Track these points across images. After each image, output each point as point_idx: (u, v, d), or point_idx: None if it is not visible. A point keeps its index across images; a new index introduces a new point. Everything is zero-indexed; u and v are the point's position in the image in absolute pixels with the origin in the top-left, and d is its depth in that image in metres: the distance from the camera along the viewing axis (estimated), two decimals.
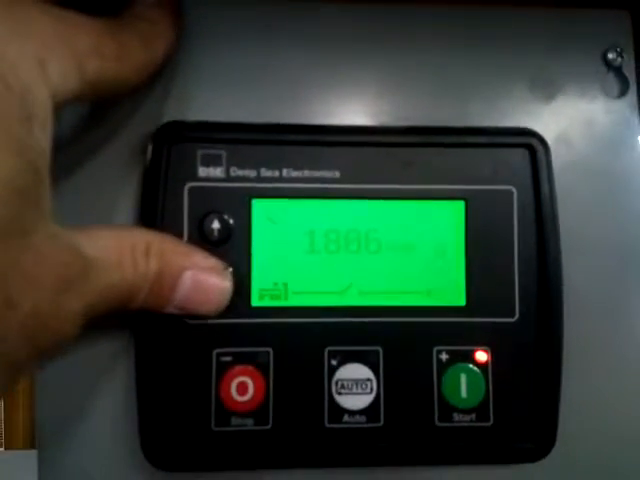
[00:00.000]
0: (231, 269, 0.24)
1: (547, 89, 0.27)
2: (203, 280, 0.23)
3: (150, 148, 0.25)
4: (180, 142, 0.25)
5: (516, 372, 0.25)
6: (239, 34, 0.26)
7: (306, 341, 0.25)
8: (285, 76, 0.26)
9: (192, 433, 0.24)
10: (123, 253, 0.20)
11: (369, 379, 0.25)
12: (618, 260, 0.26)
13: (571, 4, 0.28)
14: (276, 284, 0.25)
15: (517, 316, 0.25)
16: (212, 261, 0.23)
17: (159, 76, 0.25)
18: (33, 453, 0.24)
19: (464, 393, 0.25)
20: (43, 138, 0.18)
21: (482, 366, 0.25)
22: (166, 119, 0.25)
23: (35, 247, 0.17)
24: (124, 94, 0.23)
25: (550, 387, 0.25)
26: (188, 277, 0.22)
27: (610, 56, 0.27)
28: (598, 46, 0.27)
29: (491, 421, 0.25)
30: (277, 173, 0.25)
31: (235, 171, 0.25)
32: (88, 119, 0.25)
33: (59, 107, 0.19)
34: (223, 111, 0.26)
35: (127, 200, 0.25)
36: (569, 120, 0.27)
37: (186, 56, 0.26)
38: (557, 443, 0.25)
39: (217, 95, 0.26)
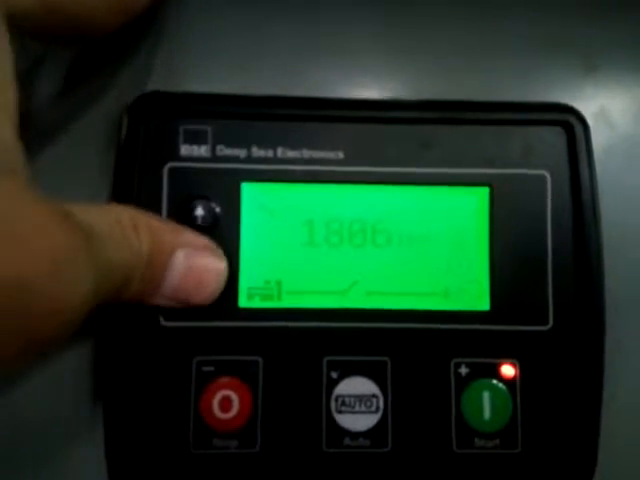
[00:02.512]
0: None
1: (586, 60, 0.24)
2: (197, 260, 0.20)
3: (125, 122, 0.22)
4: (159, 116, 0.22)
5: (549, 390, 0.22)
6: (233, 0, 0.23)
7: (302, 349, 0.22)
8: (282, 43, 0.23)
9: (168, 456, 0.21)
10: (114, 228, 0.18)
11: (375, 395, 0.22)
12: None
13: None
14: (268, 282, 0.22)
15: (551, 324, 0.22)
16: (204, 240, 0.21)
17: (142, 42, 0.23)
18: None
19: (487, 414, 0.22)
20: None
21: (509, 382, 0.22)
22: (149, 90, 0.23)
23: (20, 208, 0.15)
24: (94, 38, 0.21)
25: (589, 408, 0.22)
26: (180, 257, 0.20)
27: None
28: None
29: (519, 447, 0.22)
30: (271, 153, 0.22)
31: (222, 150, 0.22)
32: (63, 88, 0.23)
33: (12, 26, 0.17)
34: (212, 82, 0.23)
35: (101, 181, 0.22)
36: (611, 96, 0.24)
37: (173, 21, 0.23)
38: (596, 475, 0.22)
39: (206, 65, 0.23)
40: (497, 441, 0.22)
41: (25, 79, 0.23)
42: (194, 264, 0.20)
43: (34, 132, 0.22)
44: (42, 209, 0.15)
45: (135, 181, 0.22)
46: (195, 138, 0.22)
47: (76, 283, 0.15)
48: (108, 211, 0.18)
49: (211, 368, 0.21)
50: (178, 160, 0.22)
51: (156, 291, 0.19)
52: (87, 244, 0.16)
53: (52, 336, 0.15)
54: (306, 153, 0.22)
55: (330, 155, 0.22)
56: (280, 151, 0.22)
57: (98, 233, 0.17)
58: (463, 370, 0.22)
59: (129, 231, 0.18)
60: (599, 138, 0.23)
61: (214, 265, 0.21)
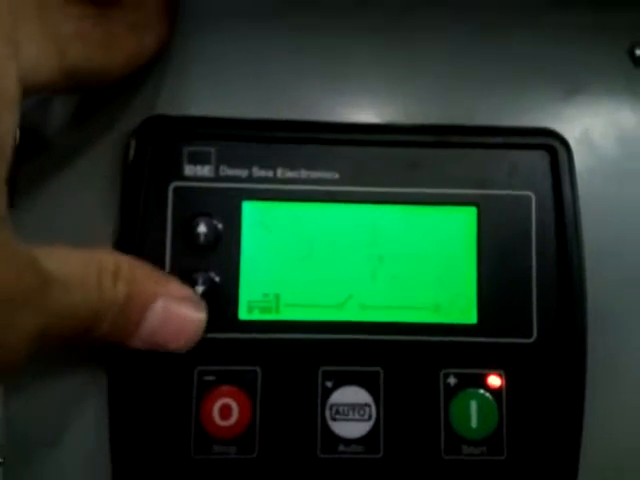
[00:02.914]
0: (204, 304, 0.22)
1: (569, 86, 0.25)
2: (175, 310, 0.20)
3: (133, 144, 0.23)
4: (165, 138, 0.23)
5: (533, 399, 0.23)
6: (233, 26, 0.25)
7: (298, 360, 0.22)
8: (282, 69, 0.25)
9: (169, 461, 0.22)
10: (88, 273, 0.18)
11: (368, 404, 0.22)
12: None
13: None
14: (267, 295, 0.23)
15: (535, 336, 0.23)
16: (187, 290, 0.21)
17: (149, 69, 0.24)
18: None
19: (474, 422, 0.22)
20: (6, 122, 0.17)
21: (495, 392, 0.23)
22: (155, 113, 0.23)
23: None
24: (108, 85, 0.22)
25: (571, 418, 0.23)
26: (159, 306, 0.20)
27: (638, 52, 0.25)
28: (624, 41, 0.26)
29: (504, 455, 0.22)
30: (271, 173, 0.23)
31: (225, 170, 0.23)
32: (71, 113, 0.24)
33: (31, 92, 0.18)
34: (215, 106, 0.24)
35: (109, 200, 0.23)
36: (593, 120, 0.25)
37: (178, 49, 0.24)
38: None
39: (210, 90, 0.24)
40: (484, 448, 0.22)
41: (37, 106, 0.24)
42: (173, 313, 0.20)
43: (49, 154, 0.23)
44: (6, 254, 0.16)
45: (141, 200, 0.22)
46: (199, 159, 0.23)
47: (14, 325, 0.16)
48: (92, 257, 0.19)
49: (212, 377, 0.22)
50: (182, 180, 0.23)
51: (132, 335, 0.20)
52: (39, 289, 0.16)
53: None
54: (304, 173, 0.23)
55: (326, 175, 0.23)
56: (280, 171, 0.23)
57: (60, 279, 0.17)
58: (452, 380, 0.23)
59: (106, 278, 0.19)
60: (582, 160, 0.24)
61: (193, 316, 0.21)
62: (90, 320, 0.18)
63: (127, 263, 0.20)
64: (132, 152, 0.23)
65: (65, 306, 0.17)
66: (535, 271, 0.23)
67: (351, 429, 0.22)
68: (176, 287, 0.21)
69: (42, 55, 0.18)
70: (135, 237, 0.22)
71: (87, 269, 0.18)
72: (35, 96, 0.23)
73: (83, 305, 0.18)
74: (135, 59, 0.22)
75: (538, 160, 0.24)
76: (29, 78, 0.18)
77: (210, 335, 0.22)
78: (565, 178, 0.23)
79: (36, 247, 0.17)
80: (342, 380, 0.22)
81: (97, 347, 0.22)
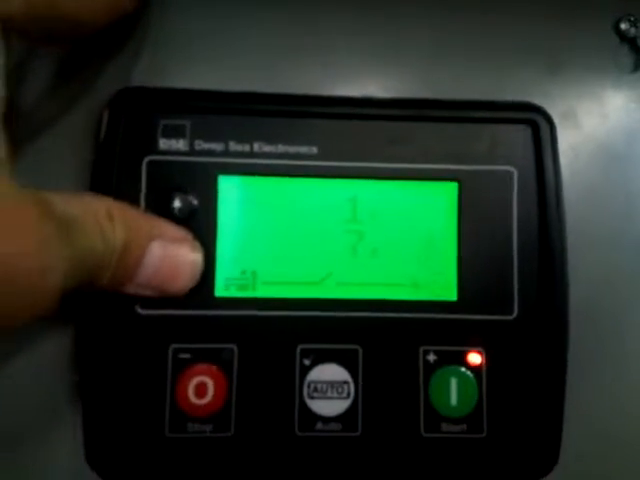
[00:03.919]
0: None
1: (552, 61, 0.25)
2: (173, 251, 0.20)
3: (106, 116, 0.22)
4: (139, 110, 0.23)
5: (514, 377, 0.22)
6: None
7: (276, 337, 0.22)
8: (259, 41, 0.24)
9: (143, 440, 0.21)
10: (88, 217, 0.18)
11: (346, 382, 0.22)
12: (630, 252, 0.24)
13: None
14: (244, 272, 0.22)
15: (515, 313, 0.23)
16: (182, 232, 0.21)
17: (125, 39, 0.23)
18: None
19: (454, 400, 0.22)
20: None
21: (475, 369, 0.22)
22: (130, 85, 0.23)
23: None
24: (78, 36, 0.21)
25: (553, 395, 0.22)
26: (156, 247, 0.20)
27: (623, 26, 0.25)
28: (610, 15, 0.25)
29: (484, 432, 0.22)
30: (247, 147, 0.23)
31: (200, 144, 0.23)
32: (45, 83, 0.23)
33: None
34: (191, 79, 0.23)
35: (83, 173, 0.23)
36: (577, 95, 0.25)
37: (155, 20, 0.24)
38: (560, 460, 0.22)
39: (186, 61, 0.24)
40: (464, 426, 0.22)
41: (11, 74, 0.23)
42: (169, 254, 0.20)
43: (20, 124, 0.22)
44: (20, 196, 0.16)
45: (115, 173, 0.22)
46: (174, 132, 0.22)
47: (48, 267, 0.16)
48: (85, 202, 0.19)
49: (187, 355, 0.22)
50: (157, 153, 0.22)
51: (130, 280, 0.20)
52: (61, 231, 0.16)
53: (23, 316, 0.16)
54: (281, 148, 0.23)
55: (304, 150, 0.23)
56: (257, 145, 0.23)
57: (73, 222, 0.17)
58: (431, 357, 0.22)
59: (104, 221, 0.18)
60: (564, 137, 0.24)
61: (189, 256, 0.21)
62: (97, 265, 0.18)
63: (118, 206, 0.19)
64: (105, 124, 0.22)
65: (79, 249, 0.17)
66: (516, 248, 0.23)
67: (329, 407, 0.22)
68: (171, 229, 0.21)
69: None
70: None
71: (86, 213, 0.18)
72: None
73: (91, 249, 0.18)
74: (107, 11, 0.21)
75: (520, 135, 0.23)
76: None
77: (186, 312, 0.22)
78: (547, 153, 0.23)
79: (52, 193, 0.17)
80: (320, 358, 0.22)
81: (64, 319, 0.21)
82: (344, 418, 0.22)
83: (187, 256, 0.21)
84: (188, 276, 0.21)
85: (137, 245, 0.19)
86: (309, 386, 0.22)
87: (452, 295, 0.23)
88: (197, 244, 0.21)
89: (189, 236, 0.21)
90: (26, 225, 0.15)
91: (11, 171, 0.17)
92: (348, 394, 0.22)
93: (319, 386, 0.22)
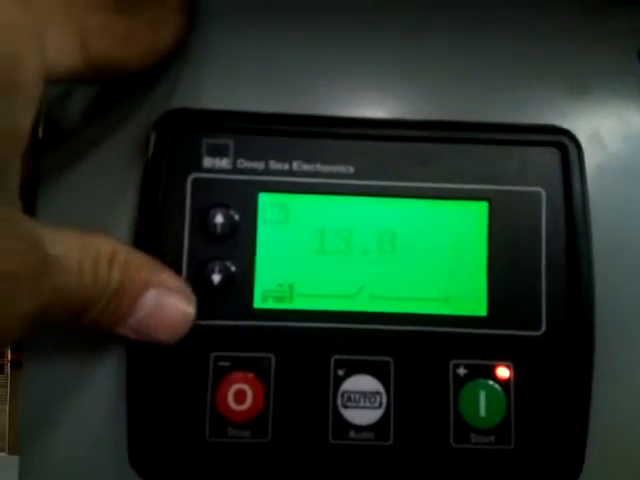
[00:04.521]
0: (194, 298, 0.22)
1: (579, 86, 0.26)
2: (166, 301, 0.21)
3: (153, 136, 0.24)
4: (185, 130, 0.24)
5: (541, 391, 0.23)
6: (252, 21, 0.25)
7: (311, 348, 0.23)
8: (299, 65, 0.25)
9: (184, 444, 0.22)
10: (85, 257, 0.19)
11: (378, 392, 0.23)
12: None
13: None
14: (281, 285, 0.23)
15: (544, 329, 0.23)
16: (180, 283, 0.22)
17: (169, 63, 0.24)
18: (14, 459, 0.22)
19: (483, 412, 0.23)
20: (24, 114, 0.17)
21: (503, 383, 0.23)
22: (175, 107, 0.24)
23: None
24: (127, 77, 0.23)
25: (578, 409, 0.23)
26: (152, 295, 0.20)
27: None
28: (634, 42, 0.26)
29: (512, 444, 0.23)
30: (287, 166, 0.24)
31: (242, 163, 0.24)
32: (92, 106, 0.24)
33: (52, 82, 0.19)
34: (234, 100, 0.24)
35: (129, 191, 0.24)
36: (602, 118, 0.25)
37: (198, 43, 0.25)
38: (584, 471, 0.23)
39: (228, 84, 0.25)
40: (492, 437, 0.23)
41: (59, 99, 0.24)
42: (162, 303, 0.21)
43: (70, 145, 0.24)
44: (9, 230, 0.17)
45: (161, 190, 0.23)
46: (217, 151, 0.23)
47: (13, 303, 0.16)
48: (91, 242, 0.19)
49: (227, 363, 0.23)
50: (201, 171, 0.23)
51: (121, 322, 0.20)
52: (39, 269, 0.17)
53: None
54: (319, 167, 0.24)
55: (341, 169, 0.24)
56: (296, 164, 0.24)
57: (59, 262, 0.18)
58: (461, 371, 0.23)
59: (101, 264, 0.19)
60: (592, 158, 0.25)
61: (182, 308, 0.21)
62: (83, 304, 0.19)
63: (124, 250, 0.20)
64: (152, 144, 0.23)
65: (61, 288, 0.18)
66: (544, 266, 0.23)
67: (362, 416, 0.23)
68: (169, 278, 0.21)
69: (66, 48, 0.19)
70: (154, 227, 0.23)
71: (85, 253, 0.19)
72: (57, 87, 0.24)
73: (78, 289, 0.18)
74: (153, 54, 0.22)
75: (549, 157, 0.24)
76: (51, 70, 0.18)
77: (225, 322, 0.23)
78: (575, 175, 0.24)
79: (40, 227, 0.18)
80: (354, 368, 0.23)
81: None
82: (376, 427, 0.23)
83: (180, 307, 0.21)
84: (178, 327, 0.21)
85: (132, 290, 0.20)
86: (343, 396, 0.23)
87: (482, 310, 0.23)
88: (193, 297, 0.22)
89: (187, 289, 0.22)
90: (6, 259, 0.16)
91: (19, 208, 0.18)
92: (380, 404, 0.23)
93: (352, 396, 0.23)
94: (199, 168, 0.23)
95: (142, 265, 0.21)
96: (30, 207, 0.24)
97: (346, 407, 0.23)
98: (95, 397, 0.23)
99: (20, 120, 0.17)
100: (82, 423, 0.23)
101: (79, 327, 0.20)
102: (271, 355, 0.23)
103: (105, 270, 0.19)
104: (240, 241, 0.23)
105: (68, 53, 0.19)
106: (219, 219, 0.23)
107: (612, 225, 0.24)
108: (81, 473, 0.23)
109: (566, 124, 0.25)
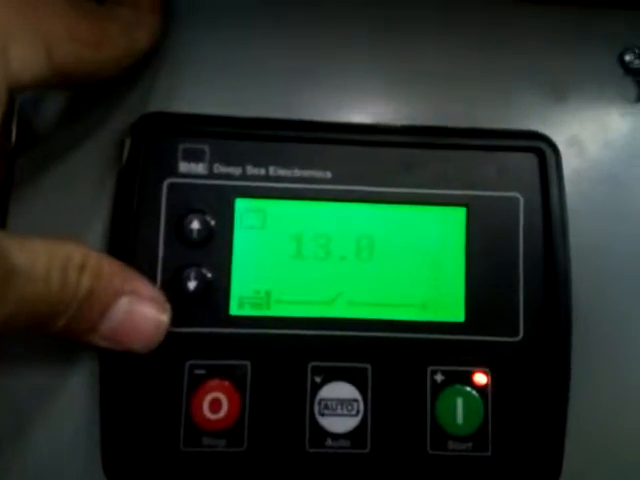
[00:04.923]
0: (169, 306, 0.22)
1: (558, 91, 0.26)
2: (140, 310, 0.20)
3: (128, 141, 0.23)
4: (160, 135, 0.23)
5: (519, 397, 0.23)
6: (227, 25, 0.25)
7: (288, 355, 0.23)
8: (275, 69, 0.25)
9: (159, 453, 0.22)
10: (53, 264, 0.18)
11: (355, 399, 0.23)
12: (635, 274, 0.24)
13: (587, 4, 0.26)
14: (258, 292, 0.23)
15: (521, 335, 0.23)
16: (153, 290, 0.21)
17: (144, 67, 0.24)
18: None
19: (460, 418, 0.23)
20: None
21: (481, 389, 0.23)
22: (150, 111, 0.24)
23: None
24: (100, 82, 0.22)
25: (556, 415, 0.23)
26: (124, 303, 0.20)
27: (627, 58, 0.26)
28: (614, 47, 0.26)
29: (489, 451, 0.23)
30: (263, 171, 0.23)
31: (218, 168, 0.23)
32: (67, 109, 0.24)
33: (18, 91, 0.19)
34: (210, 104, 0.24)
35: (104, 197, 0.24)
36: (582, 124, 0.25)
37: (172, 47, 0.25)
38: (562, 477, 0.23)
39: (204, 88, 0.25)
40: (469, 444, 0.23)
41: (31, 103, 0.24)
42: (135, 311, 0.20)
43: (43, 150, 0.23)
44: None
45: (136, 195, 0.23)
46: (193, 156, 0.23)
47: None
48: (60, 249, 0.19)
49: (202, 371, 0.22)
50: (177, 176, 0.23)
51: (92, 330, 0.20)
52: (2, 279, 0.17)
53: None
54: (296, 172, 0.24)
55: (319, 174, 0.24)
56: (272, 169, 0.23)
57: (24, 271, 0.17)
58: (438, 377, 0.23)
59: (70, 271, 0.19)
60: (569, 164, 0.25)
61: (154, 316, 0.21)
62: (50, 312, 0.18)
63: (95, 257, 0.20)
64: (127, 149, 0.23)
65: (27, 297, 0.18)
66: (522, 271, 0.23)
67: (339, 424, 0.23)
68: (142, 286, 0.21)
69: (30, 57, 0.19)
70: (129, 232, 0.23)
71: (53, 261, 0.18)
72: (27, 94, 0.24)
73: (44, 297, 0.18)
74: (127, 58, 0.22)
75: (527, 162, 0.24)
76: (16, 79, 0.18)
77: (201, 330, 0.23)
78: (553, 180, 0.24)
79: (6, 237, 0.18)
80: (331, 376, 0.23)
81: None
82: (353, 435, 0.23)
83: (153, 316, 0.21)
84: (150, 335, 0.21)
85: (103, 297, 0.20)
86: (320, 403, 0.23)
87: (460, 316, 0.23)
88: (167, 305, 0.21)
89: (161, 297, 0.21)
90: None
91: None
92: (357, 411, 0.23)
93: (329, 403, 0.23)
94: (175, 173, 0.23)
95: (114, 272, 0.20)
96: (2, 212, 0.23)
97: (323, 415, 0.23)
98: (68, 404, 0.23)
99: None
100: (55, 431, 0.23)
101: (50, 334, 0.20)
102: (247, 363, 0.23)
103: (74, 277, 0.19)
104: (216, 247, 0.23)
105: (32, 62, 0.19)
106: (195, 225, 0.23)
107: (590, 230, 0.25)
108: None
109: (546, 129, 0.25)
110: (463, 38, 0.26)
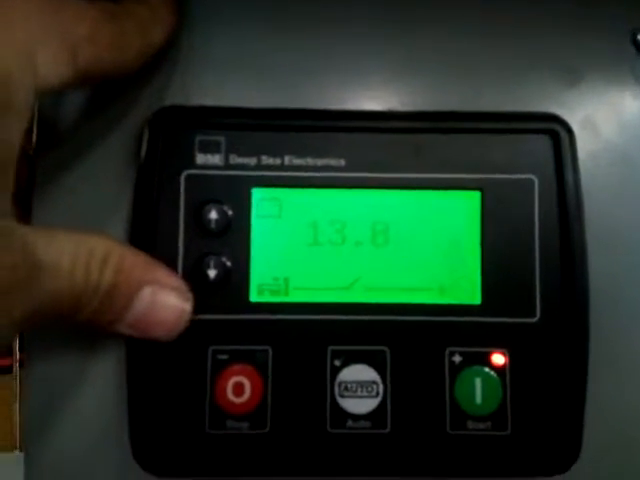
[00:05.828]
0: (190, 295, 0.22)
1: (572, 72, 0.25)
2: (162, 299, 0.21)
3: (146, 134, 0.24)
4: (177, 127, 0.24)
5: (537, 377, 0.23)
6: (242, 17, 0.25)
7: (308, 340, 0.23)
8: (288, 59, 0.25)
9: (185, 436, 0.23)
10: (77, 258, 0.19)
11: (375, 382, 0.23)
12: None
13: None
14: (276, 279, 0.24)
15: (538, 316, 0.23)
16: (175, 280, 0.22)
17: (159, 61, 0.24)
18: (18, 456, 0.23)
19: (479, 399, 0.23)
20: (15, 129, 0.18)
21: (499, 370, 0.23)
22: (167, 104, 0.24)
23: None
24: (120, 80, 0.23)
25: (574, 394, 0.23)
26: (147, 294, 0.21)
27: None
28: (627, 27, 0.26)
29: (508, 430, 0.23)
30: (279, 161, 0.24)
31: (234, 159, 0.24)
32: (85, 107, 0.25)
33: (43, 94, 0.19)
34: (225, 96, 0.25)
35: (124, 190, 0.24)
36: (595, 105, 0.25)
37: (188, 40, 0.25)
38: (581, 456, 0.23)
39: (219, 80, 0.25)
40: (488, 424, 0.23)
41: (51, 101, 0.24)
42: (158, 301, 0.21)
43: (64, 148, 0.24)
44: (5, 241, 0.17)
45: (155, 187, 0.23)
46: (209, 148, 0.24)
47: (2, 311, 0.17)
48: (84, 243, 0.19)
49: (225, 356, 0.23)
50: (194, 168, 0.24)
51: (117, 321, 0.20)
52: (29, 276, 0.17)
53: None
54: (311, 161, 0.24)
55: (333, 162, 0.24)
56: (287, 159, 0.24)
57: (50, 267, 0.18)
58: (456, 358, 0.23)
59: (93, 266, 0.19)
60: (584, 145, 0.24)
61: (178, 305, 0.21)
62: (74, 306, 0.19)
63: (118, 250, 0.20)
64: (145, 142, 0.24)
65: (52, 292, 0.18)
66: (538, 253, 0.24)
67: (359, 405, 0.23)
68: (165, 276, 0.21)
69: (56, 61, 0.19)
70: (149, 224, 0.23)
71: (77, 254, 0.19)
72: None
73: (68, 292, 0.19)
74: (143, 55, 0.22)
75: (541, 144, 0.24)
76: (43, 83, 0.19)
77: (223, 316, 0.23)
78: (567, 162, 0.24)
79: (33, 233, 0.18)
80: (350, 359, 0.23)
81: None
82: (373, 416, 0.23)
83: (175, 304, 0.21)
84: (174, 324, 0.22)
85: (126, 289, 0.20)
86: (340, 385, 0.23)
87: (476, 299, 0.24)
88: (189, 294, 0.22)
89: (183, 286, 0.22)
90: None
91: (12, 217, 0.18)
92: (377, 393, 0.23)
93: (349, 385, 0.23)
94: (192, 165, 0.24)
95: (136, 263, 0.21)
96: (26, 210, 0.24)
97: (343, 397, 0.23)
98: (97, 393, 0.23)
99: (13, 135, 0.17)
100: (85, 419, 0.23)
101: (75, 326, 0.20)
102: (268, 347, 0.23)
103: (97, 272, 0.19)
104: (235, 236, 0.23)
105: (59, 66, 0.19)
106: (213, 215, 0.23)
107: (605, 211, 0.24)
108: (86, 469, 0.23)
109: (559, 111, 0.25)
110: (473, 21, 0.26)
